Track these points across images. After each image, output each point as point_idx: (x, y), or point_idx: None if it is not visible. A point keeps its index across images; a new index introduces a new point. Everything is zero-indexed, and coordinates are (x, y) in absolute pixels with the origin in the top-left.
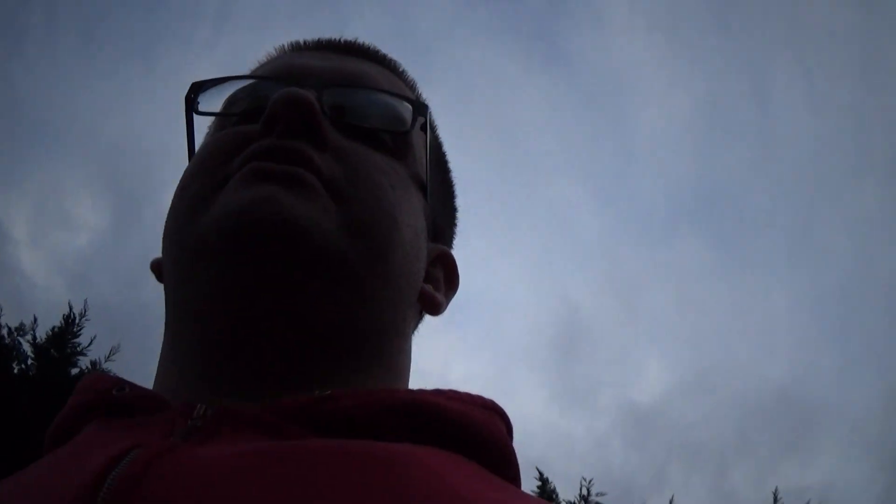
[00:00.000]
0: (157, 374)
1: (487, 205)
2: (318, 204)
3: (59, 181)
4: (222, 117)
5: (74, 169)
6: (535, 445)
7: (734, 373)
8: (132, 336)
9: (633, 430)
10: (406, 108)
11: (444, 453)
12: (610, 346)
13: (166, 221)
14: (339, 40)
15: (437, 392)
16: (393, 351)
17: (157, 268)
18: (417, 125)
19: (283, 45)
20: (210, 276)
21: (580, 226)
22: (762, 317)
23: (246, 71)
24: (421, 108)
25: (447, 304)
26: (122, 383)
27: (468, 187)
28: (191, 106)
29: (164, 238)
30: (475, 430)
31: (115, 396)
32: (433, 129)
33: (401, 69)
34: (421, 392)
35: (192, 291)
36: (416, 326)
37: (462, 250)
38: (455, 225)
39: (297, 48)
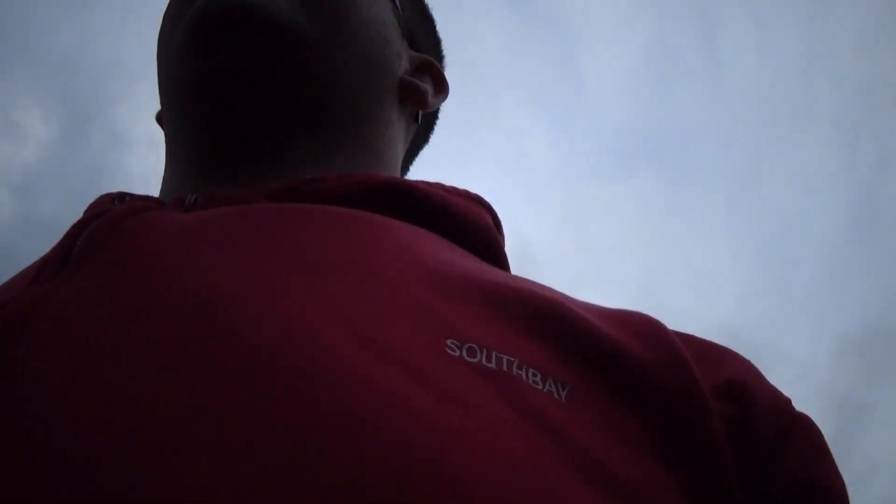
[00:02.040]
0: (160, 192)
1: (437, 137)
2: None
3: (7, 91)
4: None
5: (23, 80)
6: None
7: (680, 311)
8: None
9: None
10: None
11: (426, 231)
12: (558, 279)
13: (159, 39)
14: None
15: (424, 181)
16: (376, 136)
17: (160, 116)
18: None
19: None
20: (183, 76)
21: (532, 160)
22: (709, 258)
23: None
24: None
25: (437, 105)
26: (123, 195)
27: None
28: None
29: (158, 48)
30: (455, 212)
31: (116, 206)
32: None
33: None
34: (404, 178)
35: (174, 94)
36: (407, 129)
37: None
38: (438, 40)
39: None
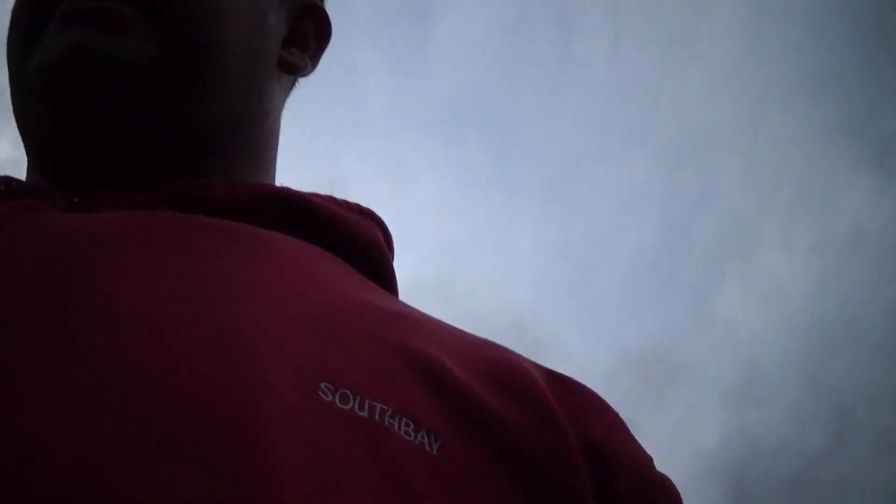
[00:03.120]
0: (27, 176)
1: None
2: (134, 34)
3: None
4: None
5: None
6: None
7: (474, 287)
8: None
9: None
10: None
11: (317, 249)
12: None
13: (6, 51)
14: None
15: (315, 194)
16: (256, 133)
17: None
18: None
19: None
20: (41, 117)
21: (364, 101)
22: (513, 242)
23: None
24: None
25: (317, 59)
26: (9, 179)
27: None
28: None
29: (7, 66)
30: (346, 229)
31: (2, 191)
32: None
33: None
34: (298, 191)
35: (29, 125)
36: (287, 93)
37: None
38: None
39: None
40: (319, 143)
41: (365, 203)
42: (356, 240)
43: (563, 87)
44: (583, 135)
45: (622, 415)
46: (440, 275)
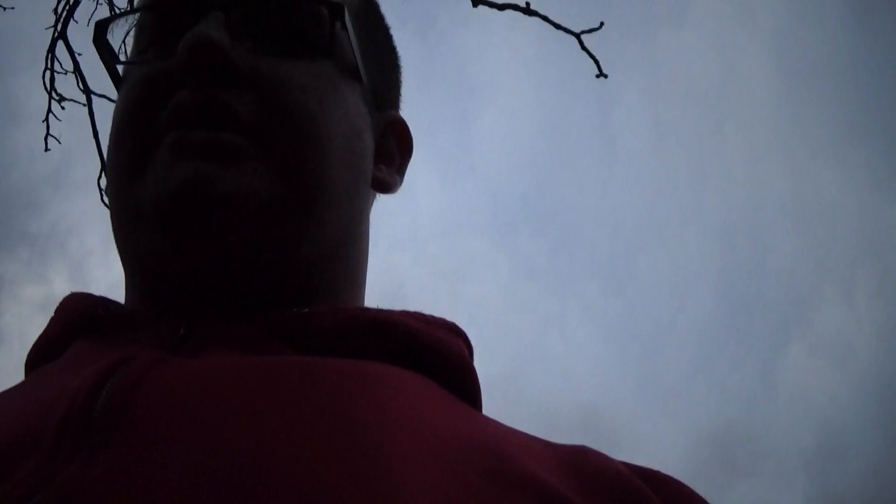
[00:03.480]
0: (126, 296)
1: None
2: (247, 166)
3: None
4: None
5: None
6: None
7: (543, 382)
8: None
9: None
10: (323, 13)
11: (415, 375)
12: None
13: (108, 167)
14: None
15: (405, 313)
16: (354, 255)
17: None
18: (337, 28)
19: None
20: (150, 246)
21: (416, 202)
22: (577, 330)
23: None
24: (337, 10)
25: (403, 174)
26: (107, 302)
27: None
28: (103, 52)
29: (108, 185)
30: (440, 350)
31: (101, 315)
32: (364, 15)
33: None
34: (391, 312)
35: (136, 252)
36: (371, 206)
37: None
38: (400, 83)
39: None
40: (375, 257)
41: (425, 306)
42: (447, 359)
43: (610, 171)
44: (634, 218)
45: (705, 494)
46: (506, 371)
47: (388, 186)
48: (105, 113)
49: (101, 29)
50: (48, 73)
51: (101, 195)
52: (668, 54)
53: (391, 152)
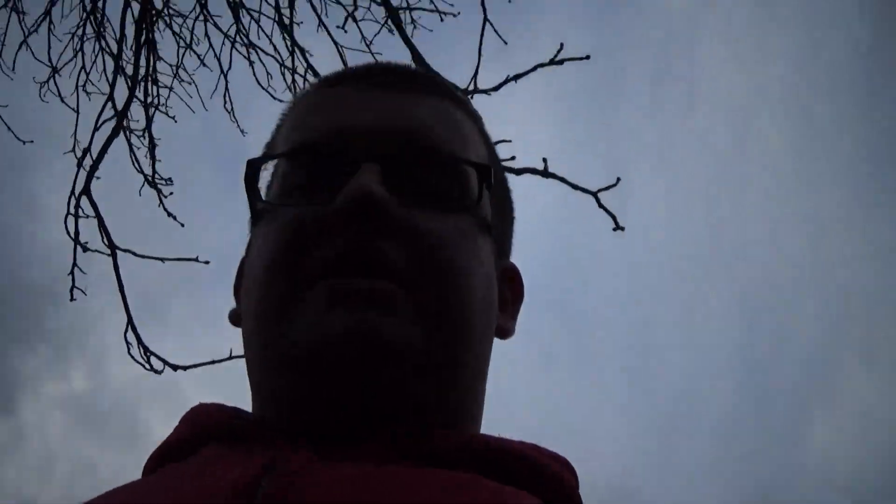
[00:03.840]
0: (254, 409)
1: None
2: (401, 314)
3: None
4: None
5: None
6: None
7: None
8: None
9: None
10: (472, 172)
11: (528, 494)
12: None
13: (249, 303)
14: (388, 72)
15: (522, 443)
16: (477, 394)
17: (235, 319)
18: (483, 189)
19: (321, 81)
20: (301, 388)
21: None
22: (601, 414)
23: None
24: (485, 173)
25: (516, 319)
26: (239, 412)
27: None
28: (253, 191)
29: (246, 323)
30: (553, 479)
31: (237, 424)
32: (498, 175)
33: (459, 97)
34: (510, 442)
35: (281, 392)
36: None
37: None
38: (513, 232)
39: (340, 82)
40: None
41: None
42: (560, 488)
43: (623, 250)
44: (651, 296)
45: None
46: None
47: (505, 332)
48: (128, 266)
49: (254, 168)
50: (71, 219)
51: (128, 349)
52: (679, 136)
53: (507, 299)
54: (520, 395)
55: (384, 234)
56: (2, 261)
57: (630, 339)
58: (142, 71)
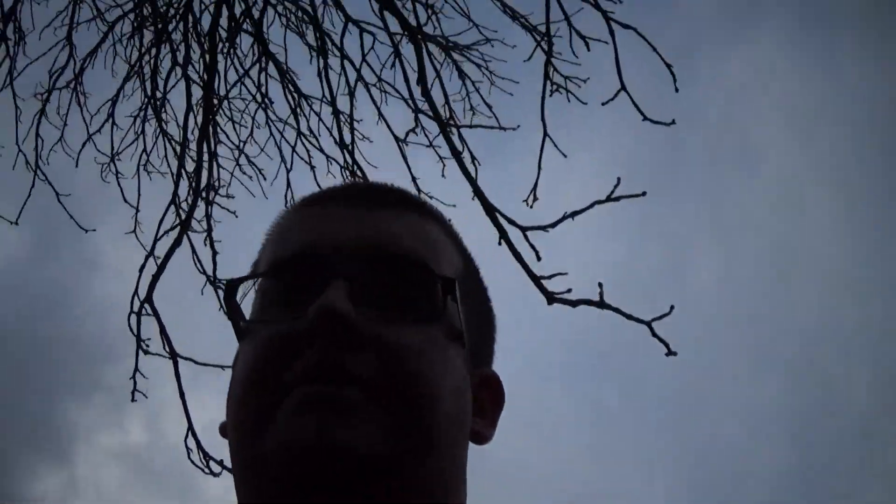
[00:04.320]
0: None
1: None
2: (368, 422)
3: None
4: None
5: None
6: None
7: None
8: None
9: None
10: (436, 286)
11: None
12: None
13: (229, 417)
14: (364, 190)
15: None
16: (450, 495)
17: (223, 432)
18: (448, 300)
19: (300, 201)
20: (273, 493)
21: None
22: (652, 481)
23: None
24: (449, 286)
25: (496, 425)
26: None
27: None
28: (232, 309)
29: (229, 435)
30: None
31: None
32: (473, 285)
33: (433, 211)
34: None
35: (258, 497)
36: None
37: None
38: (494, 340)
39: (317, 202)
40: None
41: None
42: None
43: (676, 312)
44: (702, 363)
45: None
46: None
47: (482, 438)
48: (189, 373)
49: (231, 289)
50: (133, 317)
51: (188, 454)
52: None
53: (485, 406)
54: (571, 454)
55: (352, 346)
56: (63, 314)
57: (680, 404)
58: (205, 157)
